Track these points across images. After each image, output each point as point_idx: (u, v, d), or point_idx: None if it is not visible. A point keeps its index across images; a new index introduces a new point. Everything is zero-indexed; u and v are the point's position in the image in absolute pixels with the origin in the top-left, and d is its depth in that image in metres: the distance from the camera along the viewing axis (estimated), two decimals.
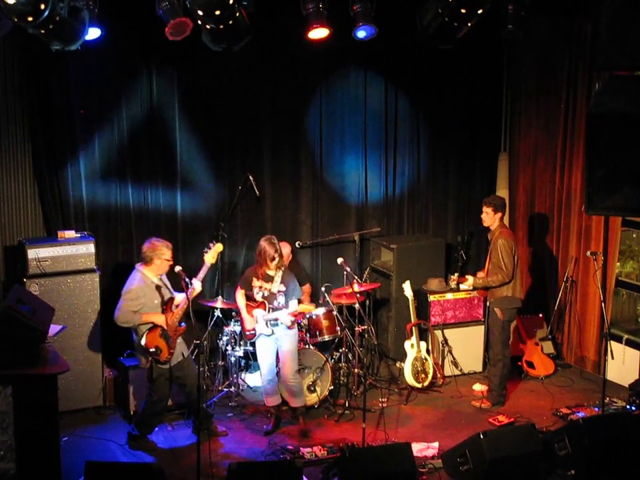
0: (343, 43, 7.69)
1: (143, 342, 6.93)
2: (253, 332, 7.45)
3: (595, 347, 9.01)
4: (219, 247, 7.28)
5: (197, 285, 7.06)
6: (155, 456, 7.02)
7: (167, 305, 7.05)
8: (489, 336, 8.28)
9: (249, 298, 7.54)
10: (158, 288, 7.06)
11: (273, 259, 7.23)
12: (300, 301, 7.58)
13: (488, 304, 8.23)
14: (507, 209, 8.40)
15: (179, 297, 7.18)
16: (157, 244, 7.03)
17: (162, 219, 8.70)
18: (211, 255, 7.24)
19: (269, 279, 7.36)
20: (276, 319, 7.35)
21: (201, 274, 7.16)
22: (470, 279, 8.08)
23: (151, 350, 6.93)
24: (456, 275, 8.20)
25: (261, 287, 7.39)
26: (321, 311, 7.98)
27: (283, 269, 7.40)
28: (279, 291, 7.37)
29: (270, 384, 7.54)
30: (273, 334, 7.40)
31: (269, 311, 7.35)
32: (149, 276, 7.02)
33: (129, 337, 8.63)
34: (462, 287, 8.88)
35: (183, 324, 7.11)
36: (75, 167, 8.20)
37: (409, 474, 6.10)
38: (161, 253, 6.99)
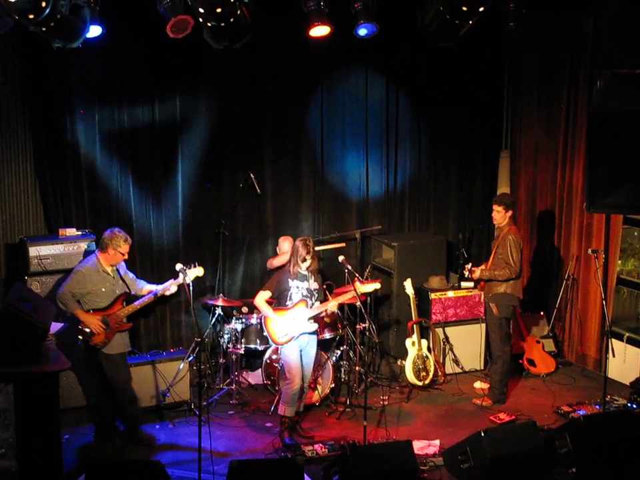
0: (344, 40, 7.68)
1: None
2: (287, 335, 7.21)
3: (596, 345, 9.01)
4: (199, 272, 7.18)
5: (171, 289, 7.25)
6: (155, 453, 7.03)
7: (118, 299, 7.08)
8: (489, 333, 8.28)
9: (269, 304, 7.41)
10: (108, 277, 7.07)
11: (304, 260, 7.16)
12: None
13: (483, 298, 8.20)
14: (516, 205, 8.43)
15: (150, 286, 7.29)
16: (116, 234, 7.03)
17: (163, 217, 8.70)
18: (188, 276, 7.21)
19: (304, 278, 7.29)
20: (322, 312, 7.34)
21: (160, 287, 7.25)
22: (478, 270, 8.05)
23: (85, 330, 6.91)
24: (470, 264, 8.16)
25: (298, 287, 7.29)
26: (371, 287, 7.67)
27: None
28: (315, 289, 7.35)
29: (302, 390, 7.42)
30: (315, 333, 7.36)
31: (311, 307, 7.30)
32: (102, 264, 7.06)
33: (130, 335, 8.66)
34: (463, 284, 8.91)
35: (130, 322, 7.17)
36: (76, 164, 8.20)
37: (410, 472, 6.10)
38: (117, 244, 6.99)
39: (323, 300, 7.47)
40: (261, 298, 7.32)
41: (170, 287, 7.26)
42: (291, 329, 7.20)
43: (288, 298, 7.27)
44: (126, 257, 7.12)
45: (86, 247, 7.68)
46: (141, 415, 7.40)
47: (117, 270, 7.17)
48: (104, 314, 7.00)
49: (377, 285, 7.69)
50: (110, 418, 7.27)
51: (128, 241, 7.08)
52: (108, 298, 7.06)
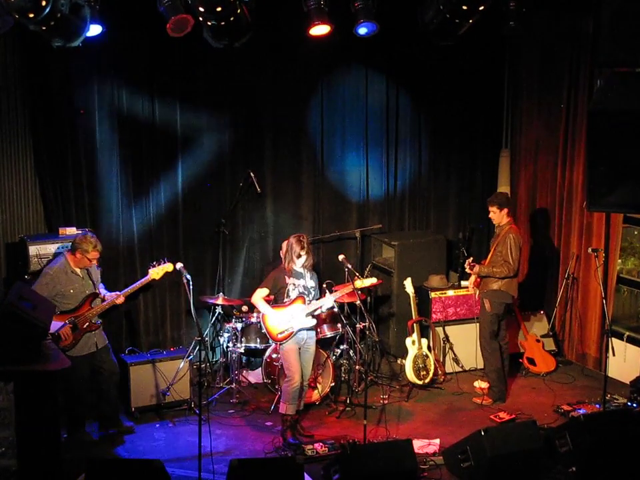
0: (344, 39, 7.68)
1: None
2: (286, 332, 7.21)
3: (596, 344, 9.01)
4: (168, 267, 7.19)
5: (119, 299, 7.15)
6: (155, 452, 7.04)
7: (87, 299, 7.05)
8: (479, 329, 8.27)
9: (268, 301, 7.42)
10: (77, 278, 7.03)
11: (299, 256, 7.20)
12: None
13: (477, 295, 8.18)
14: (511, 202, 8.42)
15: (108, 295, 7.21)
16: (87, 239, 6.97)
17: (163, 216, 8.69)
18: (156, 272, 7.23)
19: (300, 276, 7.31)
20: (319, 308, 7.33)
21: (132, 286, 7.21)
22: (477, 266, 8.05)
23: (52, 332, 6.80)
24: (471, 258, 8.17)
25: (294, 284, 7.32)
26: (369, 281, 7.69)
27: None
28: (311, 286, 7.36)
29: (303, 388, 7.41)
30: (312, 329, 7.35)
31: (308, 304, 7.29)
32: (71, 264, 7.02)
33: (130, 334, 8.66)
34: (463, 283, 8.92)
35: (99, 321, 7.12)
36: (76, 163, 8.19)
37: (410, 471, 6.11)
38: (85, 249, 6.93)
39: (320, 297, 7.47)
40: (258, 296, 7.34)
41: (116, 298, 7.16)
42: (290, 325, 7.21)
43: (285, 295, 7.29)
44: (94, 262, 7.06)
45: None
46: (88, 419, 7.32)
47: (88, 271, 7.12)
48: (72, 316, 6.97)
49: (374, 280, 7.70)
50: (112, 415, 7.27)
51: (97, 248, 6.99)
52: (76, 299, 7.02)
